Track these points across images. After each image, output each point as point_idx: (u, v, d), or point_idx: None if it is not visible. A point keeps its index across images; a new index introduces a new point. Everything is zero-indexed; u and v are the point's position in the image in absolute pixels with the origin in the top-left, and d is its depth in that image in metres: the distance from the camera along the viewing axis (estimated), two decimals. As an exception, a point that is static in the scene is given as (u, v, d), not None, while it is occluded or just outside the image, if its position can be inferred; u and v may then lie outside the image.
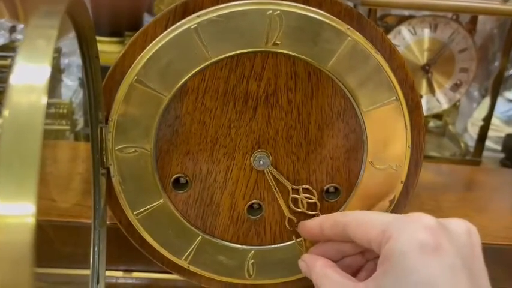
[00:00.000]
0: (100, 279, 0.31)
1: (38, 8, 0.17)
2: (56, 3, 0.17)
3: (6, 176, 0.12)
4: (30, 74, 0.14)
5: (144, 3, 0.73)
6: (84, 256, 0.31)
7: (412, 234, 0.21)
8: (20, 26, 0.84)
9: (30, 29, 0.15)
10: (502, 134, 0.72)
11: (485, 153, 0.62)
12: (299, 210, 0.31)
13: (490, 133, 0.61)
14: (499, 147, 0.71)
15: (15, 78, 0.14)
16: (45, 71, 0.14)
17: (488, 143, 0.67)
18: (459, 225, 0.23)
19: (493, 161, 0.68)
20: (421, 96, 0.61)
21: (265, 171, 0.30)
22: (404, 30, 0.58)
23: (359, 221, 0.25)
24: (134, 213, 0.30)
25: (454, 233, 0.22)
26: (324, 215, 0.29)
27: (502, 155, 0.68)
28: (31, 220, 0.12)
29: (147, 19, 0.75)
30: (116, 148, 0.29)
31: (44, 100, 0.14)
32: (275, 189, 0.30)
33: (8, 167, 0.12)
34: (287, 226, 0.31)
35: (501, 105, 0.80)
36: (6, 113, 0.13)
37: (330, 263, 0.27)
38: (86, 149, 0.46)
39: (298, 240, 0.32)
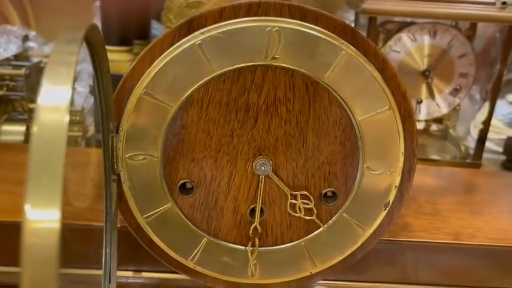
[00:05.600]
0: (112, 279, 0.33)
1: (59, 33, 0.19)
2: (75, 30, 0.19)
3: (36, 188, 0.14)
4: (54, 96, 0.16)
5: (152, 11, 0.75)
6: (96, 257, 0.33)
7: None
8: (32, 34, 0.87)
9: (53, 55, 0.17)
10: (504, 137, 0.72)
11: (487, 156, 0.63)
12: (297, 215, 0.33)
13: (492, 135, 0.62)
14: (500, 149, 0.72)
15: (42, 99, 0.16)
16: (67, 92, 0.16)
17: (490, 145, 0.68)
18: None
19: (494, 163, 0.69)
20: (421, 101, 0.63)
21: (261, 178, 0.32)
22: (404, 37, 0.59)
23: None
24: (143, 216, 0.33)
25: None
26: None
27: (503, 157, 0.69)
28: (57, 225, 0.14)
29: (155, 27, 0.77)
30: (126, 156, 0.31)
31: (67, 118, 0.16)
32: (260, 195, 0.32)
33: (37, 180, 0.14)
34: (250, 234, 0.33)
35: (503, 108, 0.81)
36: (35, 129, 0.15)
37: None
38: (97, 154, 0.48)
39: (251, 248, 0.33)
